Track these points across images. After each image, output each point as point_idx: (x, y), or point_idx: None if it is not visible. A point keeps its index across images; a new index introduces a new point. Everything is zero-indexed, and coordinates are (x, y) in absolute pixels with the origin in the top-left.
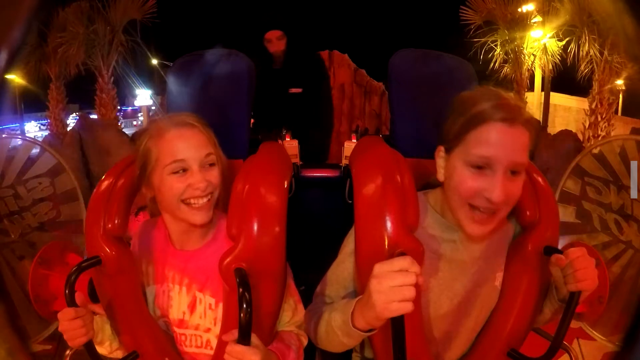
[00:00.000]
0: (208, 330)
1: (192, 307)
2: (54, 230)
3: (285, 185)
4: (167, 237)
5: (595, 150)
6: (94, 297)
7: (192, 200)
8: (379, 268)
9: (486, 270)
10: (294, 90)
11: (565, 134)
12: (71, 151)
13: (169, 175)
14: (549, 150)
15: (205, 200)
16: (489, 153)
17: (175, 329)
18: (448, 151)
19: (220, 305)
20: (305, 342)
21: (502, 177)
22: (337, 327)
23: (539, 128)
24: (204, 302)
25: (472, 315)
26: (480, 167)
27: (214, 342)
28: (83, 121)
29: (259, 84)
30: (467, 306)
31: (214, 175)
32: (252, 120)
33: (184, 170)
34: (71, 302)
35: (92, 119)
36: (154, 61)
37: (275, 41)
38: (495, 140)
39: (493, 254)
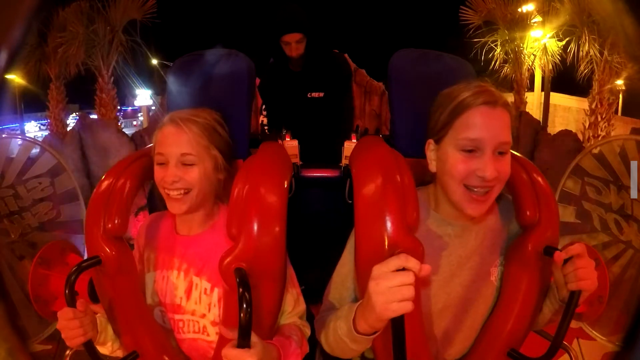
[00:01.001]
0: (203, 316)
1: (188, 292)
2: (54, 230)
3: (285, 185)
4: (173, 224)
5: (595, 150)
6: (94, 297)
7: (166, 191)
8: (377, 270)
9: (482, 265)
10: (314, 94)
11: (565, 134)
12: (71, 151)
13: (155, 164)
14: (549, 150)
15: (177, 193)
16: (477, 135)
17: (174, 316)
18: (438, 142)
19: (216, 290)
20: (308, 332)
21: (491, 156)
22: (344, 335)
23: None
24: (200, 287)
25: (470, 311)
26: (470, 150)
27: (210, 329)
28: (83, 121)
29: (276, 87)
30: (464, 301)
31: (190, 174)
32: (266, 128)
33: (164, 163)
34: (71, 302)
35: (92, 119)
36: (154, 61)
37: (295, 45)
38: (480, 123)
39: (487, 250)
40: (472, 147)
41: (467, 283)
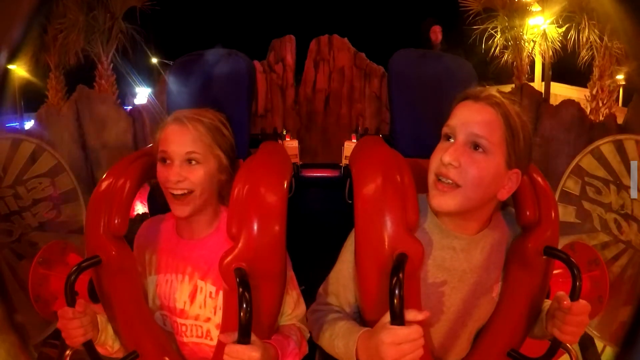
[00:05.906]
0: (208, 319)
1: (192, 296)
2: (54, 230)
3: (285, 185)
4: (175, 228)
5: (595, 147)
6: (94, 297)
7: (170, 190)
8: (389, 338)
9: (485, 281)
10: None
11: (569, 103)
12: (67, 122)
13: (158, 163)
14: (552, 120)
15: (180, 192)
16: (452, 123)
17: (177, 319)
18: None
19: (221, 293)
20: (307, 335)
21: (459, 145)
22: (341, 353)
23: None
24: (205, 290)
25: (468, 326)
26: (448, 137)
27: (213, 332)
28: (81, 92)
29: None
30: (463, 316)
31: (195, 173)
32: None
33: (167, 161)
34: (71, 302)
35: (90, 90)
36: (154, 60)
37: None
38: (459, 113)
39: (493, 265)
40: (449, 133)
41: (467, 297)
